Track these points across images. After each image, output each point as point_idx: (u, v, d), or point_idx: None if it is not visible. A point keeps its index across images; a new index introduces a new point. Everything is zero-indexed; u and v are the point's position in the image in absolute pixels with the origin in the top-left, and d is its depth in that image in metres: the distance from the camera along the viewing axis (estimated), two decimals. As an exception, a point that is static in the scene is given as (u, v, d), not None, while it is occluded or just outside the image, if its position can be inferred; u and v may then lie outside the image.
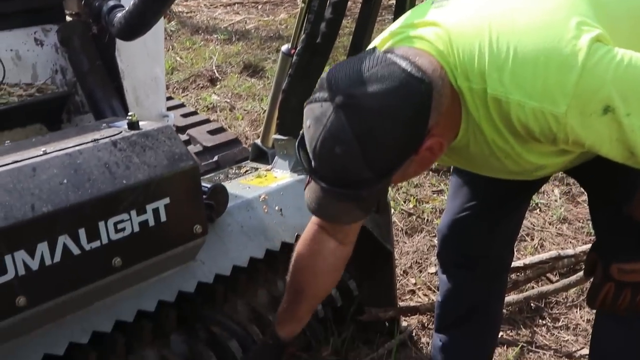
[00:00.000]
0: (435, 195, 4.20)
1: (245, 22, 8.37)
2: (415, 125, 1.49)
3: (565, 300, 3.24)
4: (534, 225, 3.86)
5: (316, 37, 2.49)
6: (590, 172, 1.89)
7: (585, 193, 2.20)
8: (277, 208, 2.45)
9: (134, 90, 3.06)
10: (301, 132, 1.58)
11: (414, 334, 2.99)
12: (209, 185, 2.20)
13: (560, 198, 4.13)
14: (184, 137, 3.70)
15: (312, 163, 1.56)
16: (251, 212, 2.40)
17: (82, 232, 1.78)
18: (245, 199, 2.42)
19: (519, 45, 1.49)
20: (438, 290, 2.46)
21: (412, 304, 3.15)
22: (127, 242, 1.87)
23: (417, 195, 4.17)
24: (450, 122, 1.61)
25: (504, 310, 2.96)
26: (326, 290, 2.12)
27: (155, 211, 1.92)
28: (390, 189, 3.62)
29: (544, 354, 2.90)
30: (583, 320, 3.11)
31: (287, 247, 2.43)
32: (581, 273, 3.17)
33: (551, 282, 3.33)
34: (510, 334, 3.03)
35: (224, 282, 2.33)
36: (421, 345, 2.93)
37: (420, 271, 3.49)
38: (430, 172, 4.41)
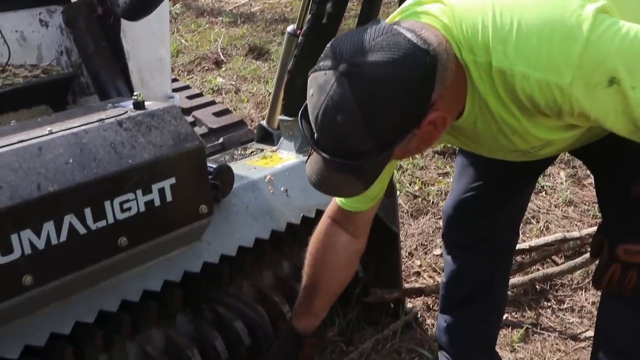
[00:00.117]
0: (440, 177, 4.20)
1: (250, 5, 8.34)
2: (418, 97, 1.48)
3: (571, 282, 3.24)
4: (539, 207, 3.85)
5: (322, 18, 2.48)
6: (596, 153, 1.88)
7: (592, 176, 2.19)
8: (282, 189, 2.45)
9: (139, 71, 3.05)
10: (305, 103, 1.57)
11: (418, 315, 2.99)
12: (214, 166, 2.20)
13: (566, 181, 4.12)
14: (189, 118, 3.70)
15: (314, 134, 1.55)
16: (257, 192, 2.40)
17: (88, 212, 1.79)
18: (251, 180, 2.42)
19: (522, 17, 1.48)
20: (443, 271, 2.46)
21: (417, 285, 3.15)
22: (132, 221, 1.88)
23: (422, 178, 4.16)
24: (454, 97, 1.60)
25: (509, 292, 2.96)
26: (341, 285, 2.12)
27: (161, 191, 1.93)
28: (395, 171, 3.62)
29: (549, 335, 2.90)
30: (588, 303, 3.11)
31: (293, 228, 2.44)
32: (587, 255, 3.17)
33: (556, 264, 3.33)
34: (515, 315, 3.03)
35: (230, 263, 2.33)
36: (426, 326, 2.94)
37: (426, 253, 3.49)
38: (436, 155, 4.41)
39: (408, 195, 3.97)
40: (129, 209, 1.87)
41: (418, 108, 1.49)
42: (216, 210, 2.16)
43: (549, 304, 3.12)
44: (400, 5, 1.76)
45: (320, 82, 1.48)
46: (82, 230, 1.79)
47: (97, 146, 1.84)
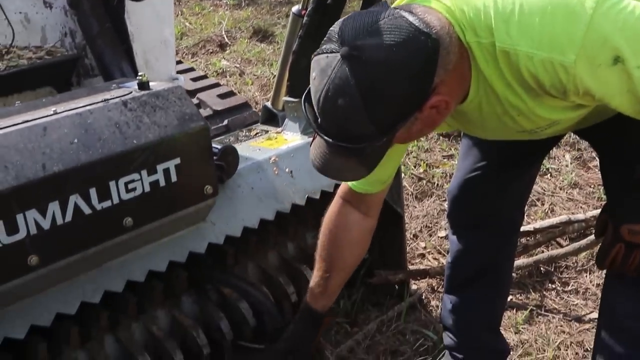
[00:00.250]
0: (445, 160, 4.19)
1: (255, -13, 8.32)
2: (419, 81, 1.48)
3: (575, 264, 3.24)
4: (544, 190, 3.85)
5: (327, -2, 2.47)
6: (602, 133, 1.87)
7: (597, 157, 2.18)
8: (287, 170, 2.45)
9: (144, 53, 3.05)
10: (308, 87, 1.57)
11: (423, 297, 3.00)
12: (219, 147, 2.20)
13: (571, 163, 4.12)
14: (194, 101, 3.69)
15: (317, 118, 1.55)
16: (261, 174, 2.40)
17: (93, 192, 1.79)
18: (256, 161, 2.42)
19: None
20: (448, 253, 2.46)
21: (421, 267, 3.16)
22: (137, 202, 1.88)
23: (427, 160, 4.16)
24: (458, 81, 1.59)
25: (514, 274, 2.97)
26: (355, 262, 2.13)
27: (166, 171, 1.93)
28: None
29: (553, 317, 2.91)
30: (593, 285, 3.11)
31: (298, 209, 2.44)
32: (591, 237, 3.17)
33: (561, 246, 3.33)
34: (520, 297, 3.04)
35: (234, 244, 2.33)
36: (430, 308, 2.95)
37: (430, 235, 3.49)
38: (441, 137, 4.40)
39: (413, 178, 3.97)
40: (134, 189, 1.87)
41: (420, 92, 1.49)
42: (221, 191, 2.16)
43: (554, 286, 3.12)
44: None
45: (323, 66, 1.48)
46: (87, 210, 1.79)
47: (102, 126, 1.84)
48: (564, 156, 4.19)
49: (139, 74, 2.03)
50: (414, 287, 3.02)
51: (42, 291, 1.87)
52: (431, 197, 3.82)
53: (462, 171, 2.22)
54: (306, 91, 1.59)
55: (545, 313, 2.93)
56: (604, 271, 2.06)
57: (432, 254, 3.35)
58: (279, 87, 2.86)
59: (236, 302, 2.28)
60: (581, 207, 3.70)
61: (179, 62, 4.00)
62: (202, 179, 2.04)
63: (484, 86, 1.61)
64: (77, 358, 2.04)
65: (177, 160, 1.94)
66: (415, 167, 4.09)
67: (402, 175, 3.40)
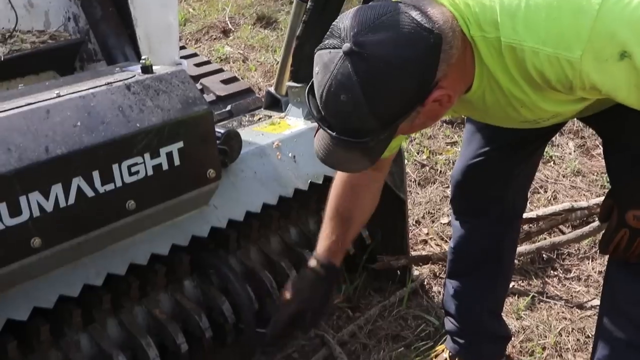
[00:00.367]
0: (448, 146, 4.19)
1: (259, -27, 8.29)
2: (422, 76, 1.48)
3: (577, 251, 3.24)
4: (547, 177, 3.84)
5: (331, -17, 2.46)
6: (606, 118, 1.87)
7: (600, 145, 2.18)
8: (290, 155, 2.45)
9: (147, 37, 3.03)
10: (312, 80, 1.58)
11: (425, 282, 3.01)
12: (222, 131, 2.20)
13: (574, 151, 4.11)
14: (197, 86, 3.68)
15: (321, 111, 1.56)
16: (264, 158, 2.40)
17: (96, 175, 1.80)
18: (259, 146, 2.42)
19: None
20: (450, 239, 2.46)
21: (424, 253, 3.16)
22: (140, 185, 1.89)
23: (430, 147, 4.15)
24: (460, 74, 1.60)
25: (516, 261, 2.97)
26: (369, 215, 2.16)
27: (169, 155, 1.93)
28: (403, 140, 3.62)
29: (555, 304, 2.91)
30: (595, 272, 3.11)
31: (300, 194, 2.45)
32: (594, 224, 3.18)
33: (563, 233, 3.33)
34: (522, 284, 3.04)
35: (237, 228, 2.34)
36: (432, 294, 2.95)
37: (433, 221, 3.49)
38: (444, 124, 4.40)
39: (416, 164, 3.97)
40: (137, 172, 1.87)
41: (422, 87, 1.50)
42: (224, 175, 2.17)
43: (556, 273, 3.13)
44: None
45: (325, 61, 1.50)
46: (90, 193, 1.79)
47: (105, 109, 1.84)
48: (567, 144, 4.19)
49: (143, 57, 2.03)
50: (416, 272, 3.02)
51: (45, 273, 1.87)
52: (434, 183, 3.81)
53: (466, 157, 2.22)
54: (309, 84, 1.60)
55: (547, 299, 2.94)
56: (606, 258, 2.06)
57: (434, 240, 3.35)
58: (282, 72, 2.86)
59: (239, 287, 2.29)
60: (584, 194, 3.70)
61: (182, 48, 3.98)
62: (205, 163, 2.04)
63: (488, 79, 1.62)
64: (79, 340, 2.05)
65: (180, 144, 1.95)
66: (418, 153, 4.08)
67: (405, 161, 3.40)
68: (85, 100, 1.83)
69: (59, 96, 1.83)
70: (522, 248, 3.11)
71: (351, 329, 2.69)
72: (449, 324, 2.46)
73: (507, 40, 1.50)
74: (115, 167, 1.83)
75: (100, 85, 1.90)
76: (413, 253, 3.09)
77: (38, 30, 3.02)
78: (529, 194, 2.55)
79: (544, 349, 2.65)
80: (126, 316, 2.14)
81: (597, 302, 2.79)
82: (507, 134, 2.03)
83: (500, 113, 1.76)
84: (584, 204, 3.43)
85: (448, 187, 3.64)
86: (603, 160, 2.08)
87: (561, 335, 2.72)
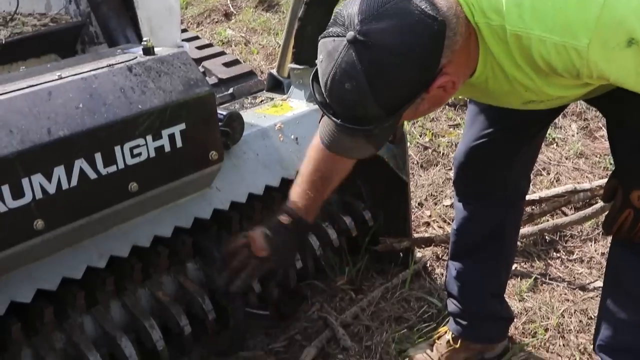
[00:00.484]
0: (451, 129, 4.18)
1: (261, -44, 8.25)
2: (426, 64, 1.49)
3: (580, 233, 3.24)
4: (550, 159, 3.84)
5: (333, -36, 2.45)
6: (610, 98, 1.87)
7: (604, 126, 2.17)
8: (292, 137, 2.45)
9: (149, 20, 3.02)
10: (316, 67, 1.58)
11: (428, 264, 3.01)
12: (224, 113, 2.20)
13: (577, 133, 4.10)
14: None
15: (325, 99, 1.56)
16: (267, 140, 2.40)
17: (98, 157, 1.80)
18: (261, 128, 2.42)
19: None
20: (453, 221, 2.46)
21: (426, 235, 3.16)
22: (143, 167, 1.89)
23: (433, 129, 4.15)
24: (465, 61, 1.60)
25: (519, 243, 2.97)
26: (347, 173, 2.12)
27: (171, 137, 1.93)
28: (406, 122, 3.61)
29: (558, 285, 2.92)
30: (597, 254, 3.11)
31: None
32: (597, 206, 3.18)
33: (566, 215, 3.33)
34: (525, 266, 3.04)
35: (239, 210, 2.34)
36: (435, 275, 2.95)
37: (435, 204, 3.49)
38: (447, 106, 4.39)
39: (418, 147, 3.96)
40: (139, 154, 1.87)
41: (426, 74, 1.50)
42: (226, 157, 2.17)
43: (558, 255, 3.13)
44: None
45: (329, 49, 1.50)
46: (92, 175, 1.79)
47: (107, 91, 1.83)
48: (570, 126, 4.18)
49: (144, 39, 2.02)
50: (418, 254, 3.02)
51: (48, 255, 1.88)
52: (437, 166, 3.81)
53: (469, 138, 2.21)
54: (313, 71, 1.60)
55: (550, 281, 2.94)
56: (609, 240, 2.06)
57: (437, 222, 3.35)
58: (284, 54, 2.85)
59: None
60: (587, 176, 3.69)
61: (184, 31, 3.97)
62: (207, 144, 2.04)
63: (492, 64, 1.63)
64: (82, 322, 2.05)
65: (183, 126, 1.94)
66: (420, 136, 4.08)
67: (408, 144, 3.40)
68: (87, 82, 1.83)
69: (61, 78, 1.82)
70: (524, 230, 3.11)
71: (354, 310, 2.69)
72: (452, 305, 2.46)
73: (513, 28, 1.50)
74: (117, 149, 1.83)
75: (102, 67, 1.89)
76: (415, 235, 3.08)
77: (39, 13, 3.01)
78: (531, 176, 2.54)
79: (546, 330, 2.66)
80: (129, 298, 2.14)
81: (599, 283, 2.79)
82: (510, 116, 2.02)
83: (504, 97, 1.77)
84: (586, 185, 3.43)
85: (450, 169, 3.65)
86: (606, 142, 2.07)
87: (564, 317, 2.72)
